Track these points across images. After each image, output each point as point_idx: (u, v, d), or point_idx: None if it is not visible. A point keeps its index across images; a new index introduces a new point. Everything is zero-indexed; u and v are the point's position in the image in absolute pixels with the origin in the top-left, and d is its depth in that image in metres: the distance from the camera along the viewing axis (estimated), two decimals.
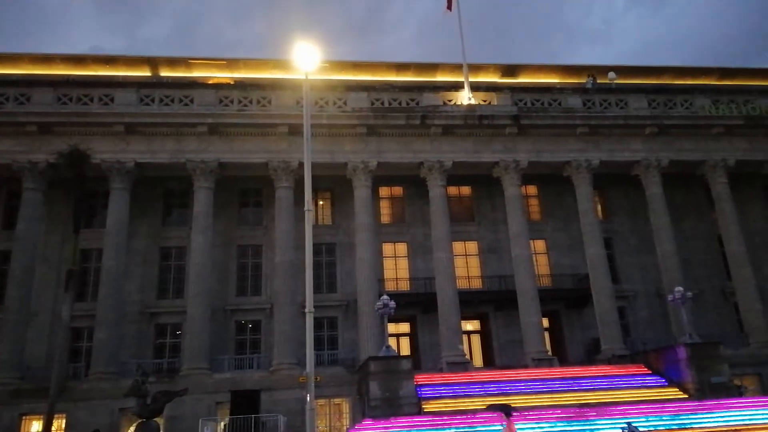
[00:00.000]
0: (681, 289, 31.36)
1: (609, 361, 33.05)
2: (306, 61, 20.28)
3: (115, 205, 33.36)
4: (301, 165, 31.24)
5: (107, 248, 32.55)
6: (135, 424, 24.12)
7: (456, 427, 24.50)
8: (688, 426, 24.90)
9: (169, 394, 24.16)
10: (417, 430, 24.32)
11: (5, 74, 41.01)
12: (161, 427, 25.42)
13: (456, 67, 43.25)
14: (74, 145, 30.52)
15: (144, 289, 35.01)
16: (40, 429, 27.59)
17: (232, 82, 40.85)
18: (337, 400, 31.49)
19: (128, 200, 33.83)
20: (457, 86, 38.60)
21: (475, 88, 38.20)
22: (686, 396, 28.31)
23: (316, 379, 19.38)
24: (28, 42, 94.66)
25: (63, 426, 28.90)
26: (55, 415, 27.25)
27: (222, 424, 27.73)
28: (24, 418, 29.35)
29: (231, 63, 45.55)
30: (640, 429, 23.24)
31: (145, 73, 43.86)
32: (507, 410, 20.99)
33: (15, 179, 33.35)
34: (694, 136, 38.52)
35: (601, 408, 26.36)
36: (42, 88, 34.42)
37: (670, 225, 36.91)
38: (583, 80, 44.87)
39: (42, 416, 27.40)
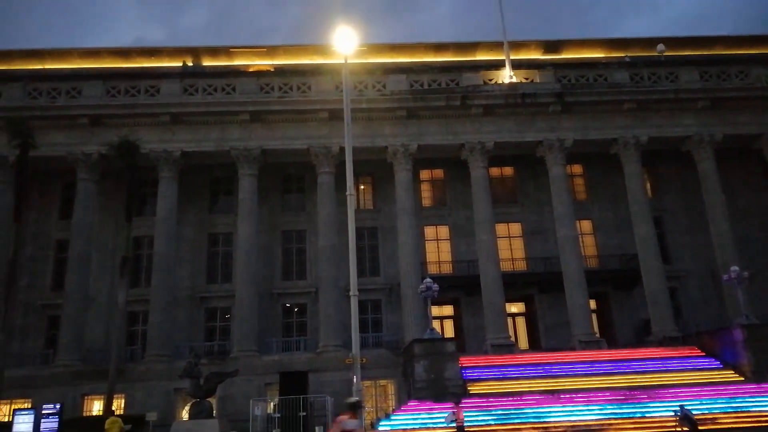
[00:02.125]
0: (737, 268, 30.19)
1: (660, 343, 32.24)
2: (344, 45, 20.22)
3: (164, 193, 34.37)
4: (341, 150, 31.45)
5: (158, 235, 33.65)
6: (189, 404, 25.03)
7: (502, 409, 24.55)
8: (745, 410, 24.21)
9: (220, 376, 24.94)
10: (463, 411, 24.45)
11: (57, 69, 42.63)
12: (214, 406, 26.29)
13: (496, 45, 42.43)
14: (124, 136, 31.63)
15: (194, 274, 36.07)
16: (102, 408, 29.04)
17: (272, 69, 41.25)
18: (382, 382, 31.87)
19: (176, 188, 34.77)
20: (497, 65, 37.86)
21: (517, 65, 37.38)
22: (742, 379, 27.37)
23: (362, 361, 19.60)
24: (74, 35, 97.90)
25: (122, 405, 30.24)
26: (115, 395, 28.62)
27: (271, 404, 28.46)
28: (86, 398, 30.89)
29: (271, 50, 45.94)
30: (694, 412, 22.69)
31: (188, 62, 44.71)
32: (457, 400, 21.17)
33: (70, 171, 34.72)
34: (749, 109, 36.74)
35: (653, 391, 25.88)
36: (91, 81, 35.62)
37: (724, 202, 35.49)
38: (630, 54, 43.34)
39: (102, 396, 28.84)
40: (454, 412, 20.87)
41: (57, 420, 22.86)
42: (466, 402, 25.42)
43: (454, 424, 22.18)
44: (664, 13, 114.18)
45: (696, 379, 27.53)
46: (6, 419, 26.79)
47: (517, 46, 43.86)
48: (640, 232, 34.80)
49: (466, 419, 23.73)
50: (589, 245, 37.91)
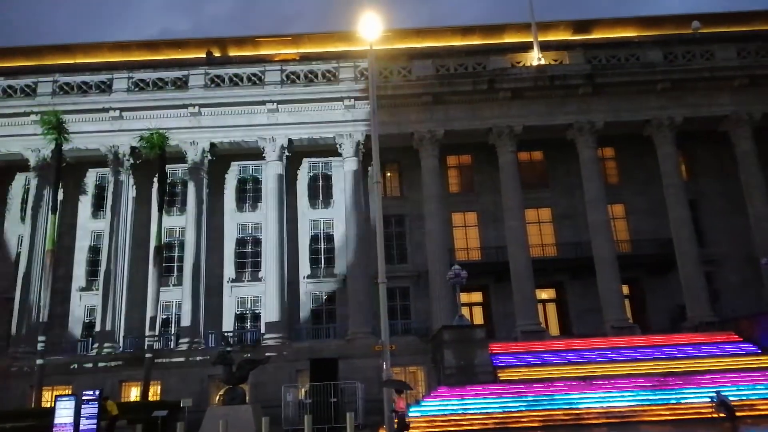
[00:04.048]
0: None
1: (696, 329, 31.55)
2: (369, 31, 20.07)
3: (194, 184, 34.82)
4: (367, 137, 31.35)
5: (188, 226, 34.23)
6: (223, 390, 25.50)
7: (533, 396, 24.39)
8: None
9: (252, 363, 25.30)
10: (493, 397, 24.42)
11: (87, 63, 43.37)
12: (246, 392, 26.73)
13: (524, 27, 41.59)
14: (154, 128, 32.06)
15: (224, 263, 36.58)
16: (139, 394, 29.82)
17: (297, 58, 41.28)
18: (412, 368, 31.96)
19: (206, 179, 35.19)
20: (525, 47, 37.16)
21: (545, 47, 36.61)
22: None
23: (391, 347, 19.61)
24: (101, 26, 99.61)
25: (158, 392, 30.98)
26: (151, 382, 29.35)
27: (302, 390, 28.80)
28: (123, 384, 31.73)
29: (296, 38, 45.94)
30: (731, 399, 22.18)
31: (214, 53, 45.02)
32: (400, 387, 19.99)
33: (103, 163, 35.45)
34: None
35: (688, 377, 25.35)
36: (121, 74, 36.13)
37: (763, 183, 34.38)
38: (663, 32, 42.00)
39: (139, 383, 29.60)
40: (393, 400, 19.70)
41: (96, 405, 23.49)
42: (494, 387, 25.32)
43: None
44: None
45: (733, 365, 26.82)
46: (48, 405, 27.67)
47: (545, 27, 42.94)
48: (675, 216, 33.96)
49: (496, 406, 23.67)
50: (621, 230, 37.15)
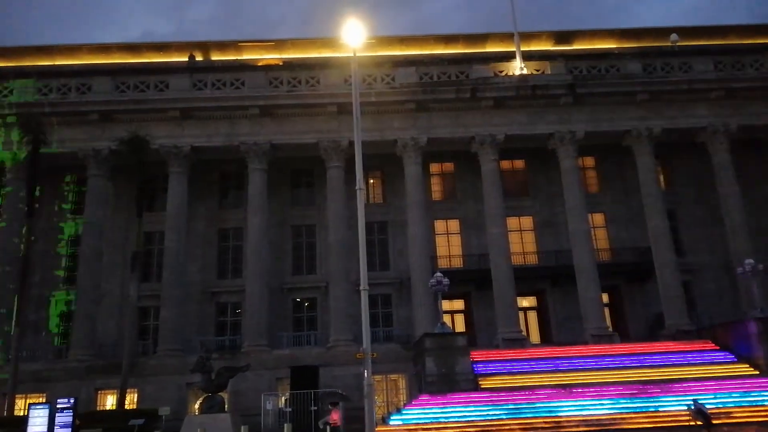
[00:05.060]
0: (751, 260, 29.87)
1: (673, 337, 31.95)
2: (353, 38, 20.08)
3: (174, 188, 34.43)
4: (351, 144, 31.32)
5: (168, 231, 33.75)
6: (201, 398, 25.16)
7: (514, 403, 24.47)
8: (760, 404, 23.98)
9: (232, 370, 24.99)
10: (475, 405, 24.45)
11: (67, 65, 42.76)
12: (226, 401, 26.40)
13: (506, 37, 42.06)
14: (134, 131, 31.73)
15: (204, 269, 36.17)
16: (115, 402, 29.28)
17: (280, 63, 41.21)
18: (393, 376, 31.87)
19: (186, 184, 34.83)
20: (508, 56, 37.51)
21: (528, 57, 37.00)
22: (757, 372, 27.05)
23: (373, 355, 19.52)
24: (82, 28, 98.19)
25: (135, 400, 30.43)
26: (127, 390, 28.82)
27: (282, 398, 28.54)
28: (99, 392, 31.10)
29: (279, 44, 45.85)
30: (708, 406, 22.47)
31: (197, 57, 44.70)
32: (336, 399, 20.13)
33: (81, 167, 34.86)
34: (765, 99, 36.12)
35: (666, 385, 25.67)
36: (101, 77, 35.67)
37: (739, 194, 35.02)
38: (642, 44, 42.77)
39: (115, 390, 29.08)
40: (328, 410, 19.47)
41: (71, 414, 23.04)
42: (476, 396, 25.37)
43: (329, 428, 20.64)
44: (677, 2, 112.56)
45: (710, 372, 27.24)
46: (21, 413, 27.04)
47: (527, 37, 43.39)
48: (654, 225, 34.44)
49: (477, 414, 23.68)
50: (601, 238, 37.57)
